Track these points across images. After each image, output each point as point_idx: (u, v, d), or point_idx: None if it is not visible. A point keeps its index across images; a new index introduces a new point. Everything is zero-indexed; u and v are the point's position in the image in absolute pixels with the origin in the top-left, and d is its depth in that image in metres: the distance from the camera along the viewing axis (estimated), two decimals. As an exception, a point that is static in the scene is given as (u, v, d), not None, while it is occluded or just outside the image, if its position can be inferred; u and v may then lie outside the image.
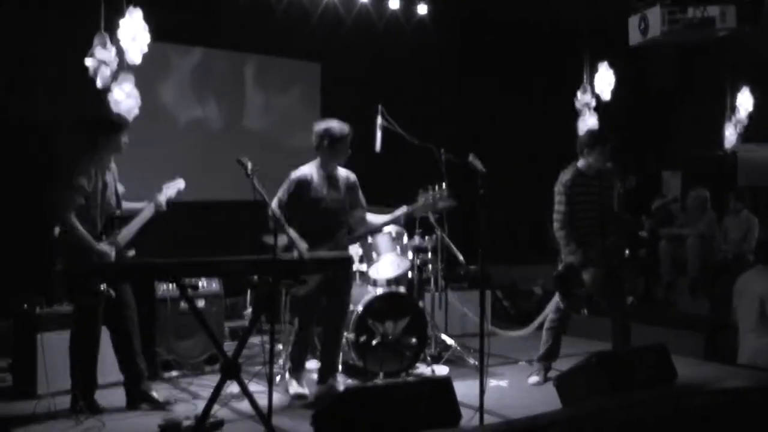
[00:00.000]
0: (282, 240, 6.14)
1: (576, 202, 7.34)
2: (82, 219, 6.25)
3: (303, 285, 6.66)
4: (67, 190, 6.26)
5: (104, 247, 6.31)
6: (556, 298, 7.61)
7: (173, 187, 6.81)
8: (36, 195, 8.24)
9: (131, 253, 6.53)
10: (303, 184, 6.86)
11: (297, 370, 7.08)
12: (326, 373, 6.96)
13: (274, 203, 6.70)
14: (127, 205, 6.73)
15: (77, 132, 6.59)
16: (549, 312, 7.84)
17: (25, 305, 7.04)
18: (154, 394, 6.64)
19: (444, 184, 7.01)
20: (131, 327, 6.64)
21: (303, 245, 6.47)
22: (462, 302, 9.41)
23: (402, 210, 7.00)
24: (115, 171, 6.67)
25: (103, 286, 6.25)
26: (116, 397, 6.70)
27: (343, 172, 7.11)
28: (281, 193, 6.88)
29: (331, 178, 6.99)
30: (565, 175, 7.43)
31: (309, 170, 6.96)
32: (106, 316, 6.55)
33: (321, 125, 6.95)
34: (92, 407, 6.40)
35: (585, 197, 7.38)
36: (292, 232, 6.54)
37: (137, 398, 6.61)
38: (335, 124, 6.93)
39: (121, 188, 6.70)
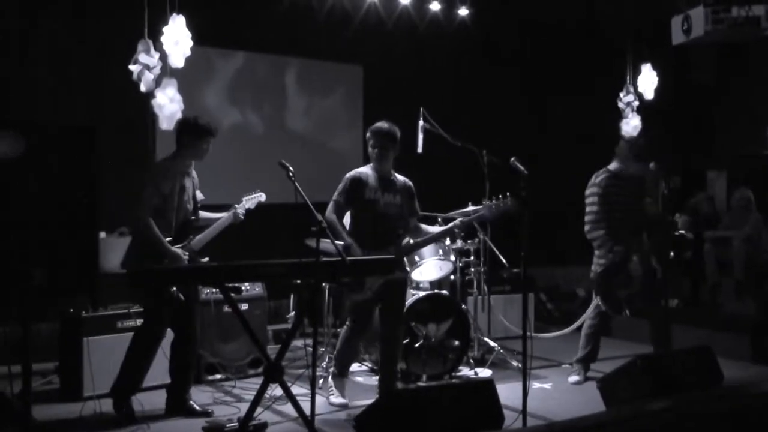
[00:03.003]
0: (329, 246, 6.09)
1: (611, 202, 7.34)
2: (157, 220, 6.27)
3: (363, 289, 6.63)
4: (146, 189, 6.29)
5: (178, 250, 6.35)
6: (596, 301, 7.58)
7: (253, 200, 6.86)
8: (82, 198, 8.33)
9: (205, 259, 6.56)
10: (358, 182, 6.75)
11: (341, 376, 7.05)
12: (387, 381, 6.88)
13: (329, 207, 6.68)
14: (204, 214, 6.77)
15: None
16: (588, 316, 7.79)
17: (72, 309, 7.12)
18: (194, 404, 6.65)
19: (509, 193, 6.96)
20: (194, 337, 6.69)
21: (358, 252, 6.44)
22: (505, 305, 9.39)
23: (456, 222, 6.89)
24: (196, 178, 6.71)
25: (173, 290, 6.31)
26: (157, 399, 6.75)
27: (400, 178, 6.99)
28: (337, 194, 6.77)
29: (386, 182, 6.86)
30: (598, 177, 7.44)
31: (365, 170, 6.89)
32: (174, 321, 6.59)
33: (372, 127, 6.90)
34: (129, 413, 6.43)
35: (619, 198, 7.37)
36: (348, 239, 6.53)
37: (178, 405, 6.62)
38: (377, 123, 6.88)
39: (200, 196, 6.74)
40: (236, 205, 6.76)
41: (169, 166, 6.47)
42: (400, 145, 6.93)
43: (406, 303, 7.37)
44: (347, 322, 7.04)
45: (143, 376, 6.55)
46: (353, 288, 6.62)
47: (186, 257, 6.39)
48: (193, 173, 6.68)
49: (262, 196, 6.90)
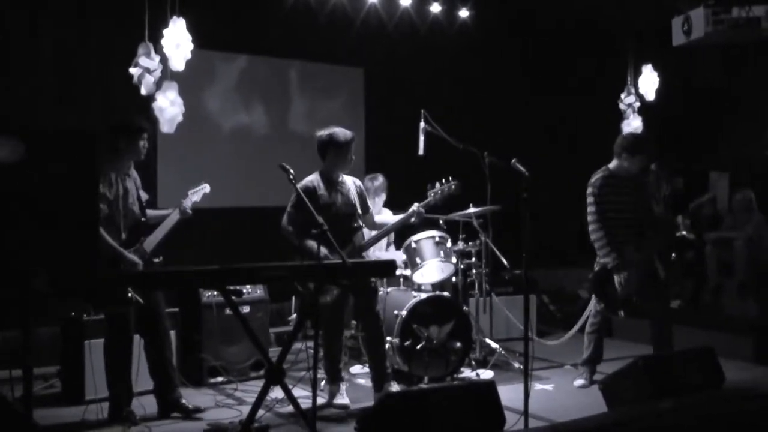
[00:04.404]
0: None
1: (607, 202, 7.31)
2: (107, 227, 6.26)
3: (328, 292, 6.68)
4: None
5: (132, 256, 6.33)
6: (594, 300, 7.58)
7: (199, 192, 6.85)
8: (83, 202, 8.33)
9: (158, 260, 6.56)
10: (308, 192, 6.72)
11: (334, 382, 7.04)
12: (380, 380, 6.93)
13: (284, 219, 6.75)
14: (152, 212, 6.76)
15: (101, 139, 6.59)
16: (589, 316, 7.79)
17: (73, 312, 7.11)
18: (185, 401, 6.67)
19: (450, 177, 7.03)
20: (162, 336, 6.67)
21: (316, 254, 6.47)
22: (507, 307, 9.38)
23: (413, 208, 6.99)
24: (137, 178, 6.69)
25: (130, 294, 6.29)
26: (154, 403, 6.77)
27: (349, 179, 7.10)
28: (289, 206, 6.85)
29: (336, 185, 6.96)
30: (595, 176, 7.42)
31: (313, 178, 6.94)
32: (139, 325, 6.60)
33: (324, 132, 6.93)
34: (129, 417, 6.42)
35: (617, 198, 7.34)
36: (309, 243, 6.57)
37: (167, 406, 6.64)
38: (339, 131, 6.91)
39: (144, 195, 6.72)
40: (182, 200, 6.75)
41: (109, 171, 6.43)
42: (402, 146, 6.95)
43: (408, 305, 7.39)
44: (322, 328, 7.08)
45: (130, 383, 6.55)
46: (319, 291, 6.66)
47: (140, 262, 6.37)
48: (134, 173, 6.67)
49: (206, 188, 6.90)
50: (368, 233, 7.30)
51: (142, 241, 6.52)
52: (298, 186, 6.76)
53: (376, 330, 6.99)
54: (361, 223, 7.09)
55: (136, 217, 6.53)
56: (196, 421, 6.45)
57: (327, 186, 6.91)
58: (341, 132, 6.90)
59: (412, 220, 7.06)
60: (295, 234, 6.73)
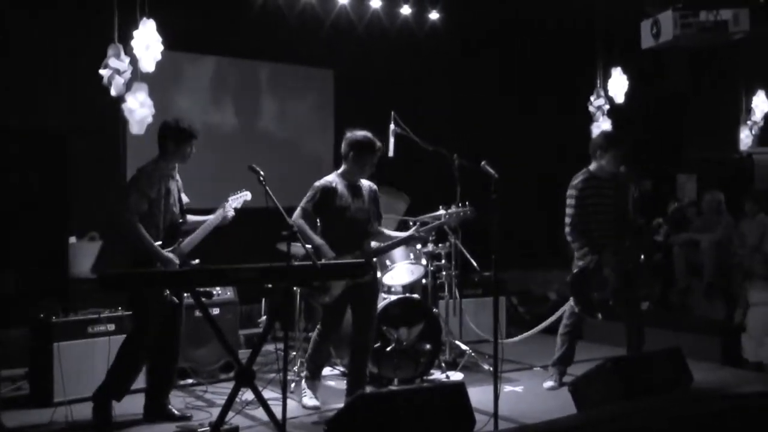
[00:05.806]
0: (298, 249, 6.17)
1: (588, 204, 7.32)
2: (145, 225, 6.22)
3: (328, 292, 6.65)
4: (132, 194, 6.25)
5: (169, 254, 6.31)
6: (570, 302, 7.59)
7: (239, 199, 6.78)
8: (53, 203, 8.29)
9: (195, 261, 6.51)
10: (328, 192, 6.75)
11: (313, 379, 7.04)
12: (355, 385, 6.89)
13: (297, 213, 6.69)
14: (192, 218, 6.71)
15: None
16: (563, 317, 7.80)
17: (42, 314, 7.06)
18: (173, 409, 6.61)
19: (467, 202, 7.01)
20: (178, 340, 6.65)
21: (330, 254, 6.48)
22: (476, 308, 9.40)
23: (414, 229, 6.94)
24: (180, 182, 6.66)
25: (167, 293, 6.26)
26: (129, 404, 6.69)
27: (365, 183, 7.00)
28: (305, 202, 6.77)
29: (354, 188, 6.87)
30: (576, 178, 7.42)
31: (333, 179, 6.87)
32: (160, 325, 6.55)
33: (353, 135, 6.83)
34: (107, 418, 6.37)
35: (597, 200, 7.35)
36: (318, 240, 6.55)
37: (157, 411, 6.56)
38: (365, 137, 6.81)
39: (185, 199, 6.68)
40: (225, 204, 6.70)
41: (154, 170, 6.41)
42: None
43: (378, 307, 7.37)
44: (318, 325, 7.05)
45: (132, 383, 6.50)
46: (318, 291, 6.64)
47: (177, 261, 6.34)
48: (177, 176, 6.64)
49: (248, 195, 6.81)
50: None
51: (180, 242, 6.48)
52: (319, 182, 6.78)
53: (364, 335, 6.94)
54: (375, 228, 7.00)
55: (174, 219, 6.50)
56: (167, 423, 6.41)
57: (345, 188, 6.83)
58: (367, 138, 6.81)
59: (418, 235, 7.01)
60: (307, 230, 6.68)
